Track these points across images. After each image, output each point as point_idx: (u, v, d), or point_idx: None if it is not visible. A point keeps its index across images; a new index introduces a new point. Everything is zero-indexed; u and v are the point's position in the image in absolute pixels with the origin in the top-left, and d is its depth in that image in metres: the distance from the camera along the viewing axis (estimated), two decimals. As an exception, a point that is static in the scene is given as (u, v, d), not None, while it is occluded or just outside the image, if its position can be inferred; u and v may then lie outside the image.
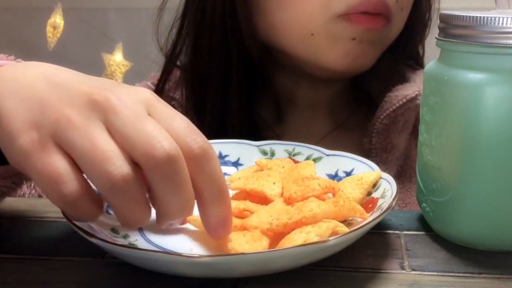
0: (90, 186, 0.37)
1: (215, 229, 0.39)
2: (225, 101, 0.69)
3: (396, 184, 0.45)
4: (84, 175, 0.36)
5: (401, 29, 0.68)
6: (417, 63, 0.76)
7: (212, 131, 0.69)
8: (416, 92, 0.65)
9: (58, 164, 0.35)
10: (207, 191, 0.37)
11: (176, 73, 0.74)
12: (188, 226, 0.45)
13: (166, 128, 0.36)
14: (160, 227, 0.40)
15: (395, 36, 0.68)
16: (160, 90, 0.73)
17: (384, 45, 0.68)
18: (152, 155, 0.35)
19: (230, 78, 0.69)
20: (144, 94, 0.38)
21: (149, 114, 0.37)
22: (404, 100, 0.65)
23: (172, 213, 0.37)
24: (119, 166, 0.34)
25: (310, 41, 0.65)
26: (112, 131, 0.35)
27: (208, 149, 0.37)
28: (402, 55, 0.73)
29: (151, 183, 0.36)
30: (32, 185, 0.63)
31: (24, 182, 0.48)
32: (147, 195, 0.37)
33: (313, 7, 0.63)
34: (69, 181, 0.35)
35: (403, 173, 0.70)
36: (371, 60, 0.67)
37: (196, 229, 0.43)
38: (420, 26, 0.73)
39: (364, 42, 0.64)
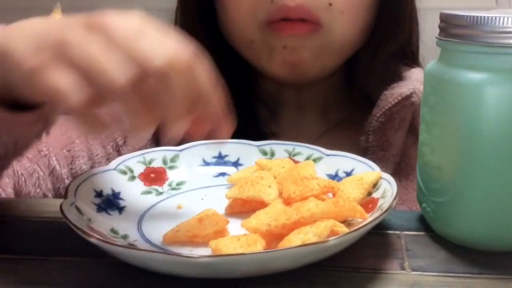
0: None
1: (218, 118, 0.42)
2: None
3: (397, 184, 0.45)
4: None
5: (352, 31, 0.67)
6: (413, 61, 0.76)
7: None
8: (411, 90, 0.65)
9: (63, 78, 0.36)
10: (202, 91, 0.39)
11: None
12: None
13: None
14: (167, 140, 0.41)
15: (345, 40, 0.67)
16: None
17: (332, 50, 0.67)
18: (153, 60, 0.36)
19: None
20: (136, 18, 0.39)
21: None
22: (399, 98, 0.66)
23: (173, 112, 0.38)
24: (124, 69, 0.36)
25: (251, 48, 0.67)
26: (111, 46, 0.37)
27: (194, 60, 0.39)
28: (384, 51, 0.72)
29: (153, 88, 0.37)
30: (37, 183, 0.63)
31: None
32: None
33: (245, 15, 0.65)
34: (74, 93, 0.36)
35: (400, 171, 0.70)
36: (317, 65, 0.67)
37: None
38: (396, 23, 0.72)
39: (297, 49, 0.64)
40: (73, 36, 0.37)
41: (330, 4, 0.64)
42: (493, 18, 0.39)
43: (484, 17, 0.39)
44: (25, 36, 0.39)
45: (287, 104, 0.74)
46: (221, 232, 0.43)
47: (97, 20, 0.38)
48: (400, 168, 0.70)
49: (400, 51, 0.73)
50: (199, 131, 0.42)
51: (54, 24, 0.39)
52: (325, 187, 0.46)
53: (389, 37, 0.72)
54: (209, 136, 0.43)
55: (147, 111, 0.38)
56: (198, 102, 0.40)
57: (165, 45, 0.38)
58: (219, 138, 0.43)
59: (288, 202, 0.45)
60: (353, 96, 0.76)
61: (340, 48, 0.68)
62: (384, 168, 0.49)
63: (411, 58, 0.76)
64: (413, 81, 0.68)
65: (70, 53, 0.37)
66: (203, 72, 0.40)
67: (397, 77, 0.70)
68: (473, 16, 0.40)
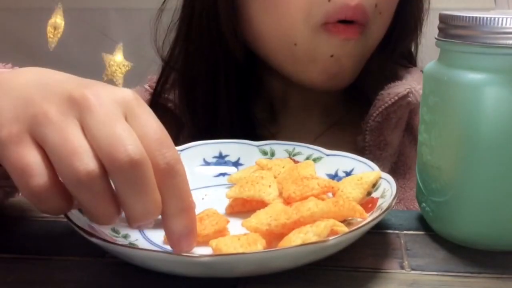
0: (61, 182, 0.37)
1: (176, 242, 0.39)
2: (215, 102, 0.70)
3: (396, 184, 0.45)
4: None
5: (382, 34, 0.68)
6: (410, 61, 0.76)
7: (206, 129, 0.70)
8: (408, 89, 0.66)
9: (30, 157, 0.36)
10: (169, 205, 0.38)
11: (174, 75, 0.75)
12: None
13: (138, 134, 0.37)
14: (131, 228, 0.40)
15: (376, 43, 0.68)
16: (158, 93, 0.73)
17: (364, 56, 0.67)
18: (115, 158, 0.35)
19: (218, 81, 0.70)
20: (125, 96, 0.38)
21: (126, 117, 0.37)
22: (396, 98, 0.66)
23: (135, 216, 0.37)
24: (86, 162, 0.35)
25: (292, 52, 0.65)
26: (85, 129, 0.36)
27: (174, 165, 0.37)
28: (394, 54, 0.73)
29: (114, 185, 0.36)
30: None
31: None
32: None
33: (296, 15, 0.63)
34: (38, 175, 0.36)
35: (397, 170, 0.70)
36: (351, 75, 0.67)
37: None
38: (411, 26, 0.72)
39: (342, 58, 0.64)
40: (51, 112, 0.36)
41: (376, 5, 0.63)
42: (492, 18, 0.39)
43: (483, 17, 0.40)
44: (9, 99, 0.38)
45: (292, 105, 0.74)
46: (221, 232, 0.43)
47: (81, 95, 0.37)
48: (397, 167, 0.70)
49: (396, 51, 0.74)
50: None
51: (38, 93, 0.37)
52: (325, 187, 0.46)
53: (403, 40, 0.72)
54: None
55: (108, 204, 0.37)
56: (165, 212, 0.38)
57: (143, 140, 0.36)
58: (179, 251, 0.40)
59: (288, 201, 0.45)
60: (352, 96, 0.76)
61: (371, 51, 0.68)
62: (381, 167, 0.50)
63: (409, 58, 0.76)
64: (410, 80, 0.68)
65: (43, 131, 0.36)
66: (177, 182, 0.38)
67: (394, 77, 0.70)
68: (472, 17, 0.40)
